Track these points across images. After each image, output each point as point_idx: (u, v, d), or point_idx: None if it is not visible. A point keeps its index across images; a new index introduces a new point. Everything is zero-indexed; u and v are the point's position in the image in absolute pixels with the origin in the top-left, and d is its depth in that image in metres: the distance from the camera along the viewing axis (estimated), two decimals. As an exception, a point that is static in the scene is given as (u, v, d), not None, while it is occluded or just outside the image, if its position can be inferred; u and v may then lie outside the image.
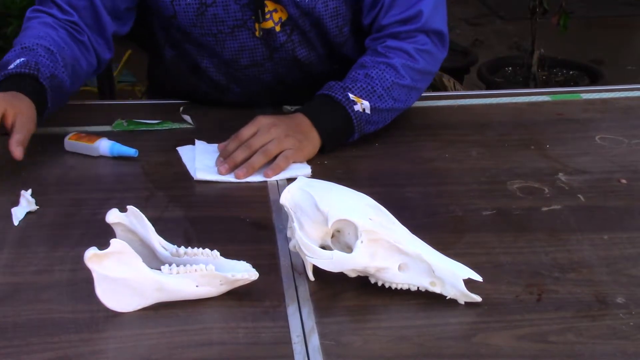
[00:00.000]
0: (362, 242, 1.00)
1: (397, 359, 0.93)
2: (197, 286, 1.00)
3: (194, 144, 1.42)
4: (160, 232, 1.03)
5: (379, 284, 1.03)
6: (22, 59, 1.34)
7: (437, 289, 1.02)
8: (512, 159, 1.41)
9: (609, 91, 1.69)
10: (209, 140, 1.43)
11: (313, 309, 1.01)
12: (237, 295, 1.02)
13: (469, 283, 1.01)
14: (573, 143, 1.47)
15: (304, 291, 1.04)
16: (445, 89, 2.50)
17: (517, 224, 1.21)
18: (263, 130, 1.34)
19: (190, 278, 0.99)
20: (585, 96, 1.67)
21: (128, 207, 1.02)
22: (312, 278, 1.04)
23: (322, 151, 1.39)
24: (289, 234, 1.07)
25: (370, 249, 1.01)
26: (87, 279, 0.98)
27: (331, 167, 1.37)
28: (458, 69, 3.60)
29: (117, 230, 1.02)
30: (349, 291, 1.04)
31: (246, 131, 1.35)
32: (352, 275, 1.03)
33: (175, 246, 1.03)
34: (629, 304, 1.02)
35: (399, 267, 1.02)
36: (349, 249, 1.03)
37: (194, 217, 1.23)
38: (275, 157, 1.33)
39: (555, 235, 1.17)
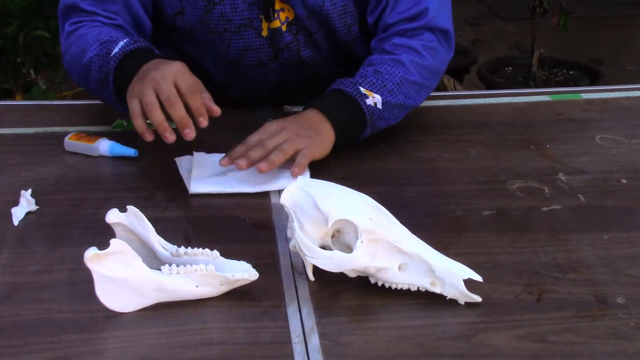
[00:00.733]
0: (362, 242, 1.00)
1: (397, 359, 0.93)
2: (197, 286, 1.00)
3: (194, 143, 1.40)
4: (160, 232, 1.03)
5: (379, 284, 1.03)
6: (125, 40, 1.34)
7: (437, 289, 1.02)
8: (512, 158, 1.41)
9: (609, 91, 1.69)
10: (210, 140, 1.43)
11: (313, 309, 1.01)
12: (237, 295, 1.02)
13: (468, 283, 1.01)
14: (573, 143, 1.47)
15: (304, 291, 1.04)
16: (445, 89, 2.49)
17: (517, 223, 1.21)
18: (272, 134, 1.31)
19: (190, 278, 0.99)
20: (585, 96, 1.67)
21: (128, 207, 1.02)
22: (312, 278, 1.04)
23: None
24: (289, 234, 1.07)
25: (370, 249, 1.01)
26: (87, 279, 0.98)
27: (331, 167, 1.36)
28: (458, 69, 3.59)
29: (117, 230, 1.02)
30: (349, 291, 1.04)
31: (254, 137, 1.31)
32: (352, 275, 1.03)
33: (175, 246, 1.03)
34: (629, 304, 1.02)
35: (399, 267, 1.02)
36: (349, 249, 1.03)
37: (194, 217, 1.23)
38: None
39: (555, 235, 1.17)
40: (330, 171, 1.34)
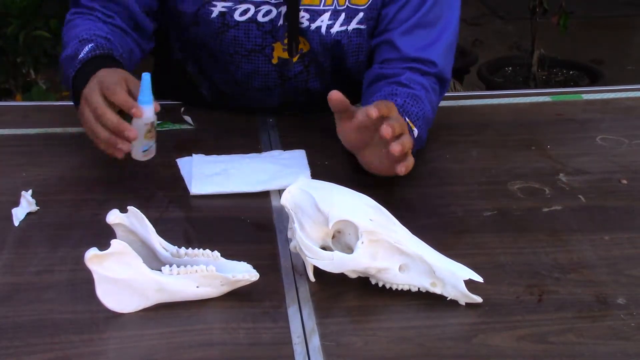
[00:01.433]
0: (362, 242, 1.00)
1: (398, 360, 0.93)
2: (197, 287, 1.00)
3: (194, 144, 1.41)
4: (161, 232, 1.03)
5: (380, 284, 1.03)
6: (90, 44, 1.34)
7: (437, 290, 1.02)
8: (513, 159, 1.41)
9: (610, 91, 1.69)
10: (209, 140, 1.43)
11: (314, 310, 1.01)
12: (238, 296, 1.02)
13: (469, 284, 1.01)
14: (573, 143, 1.47)
15: (305, 292, 1.04)
16: (446, 89, 2.49)
17: (518, 224, 1.21)
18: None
19: (190, 279, 0.99)
20: (586, 96, 1.67)
21: (128, 207, 1.02)
22: (312, 279, 1.04)
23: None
24: (289, 234, 1.07)
25: (370, 249, 1.01)
26: (87, 280, 0.98)
27: (331, 167, 1.36)
28: (458, 69, 3.59)
29: (118, 230, 1.02)
30: (350, 292, 1.04)
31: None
32: (353, 276, 1.03)
33: (176, 247, 1.03)
34: (630, 305, 1.02)
35: (400, 268, 1.02)
36: (349, 249, 1.03)
37: (194, 217, 1.23)
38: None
39: (556, 236, 1.17)
40: (330, 172, 1.34)
